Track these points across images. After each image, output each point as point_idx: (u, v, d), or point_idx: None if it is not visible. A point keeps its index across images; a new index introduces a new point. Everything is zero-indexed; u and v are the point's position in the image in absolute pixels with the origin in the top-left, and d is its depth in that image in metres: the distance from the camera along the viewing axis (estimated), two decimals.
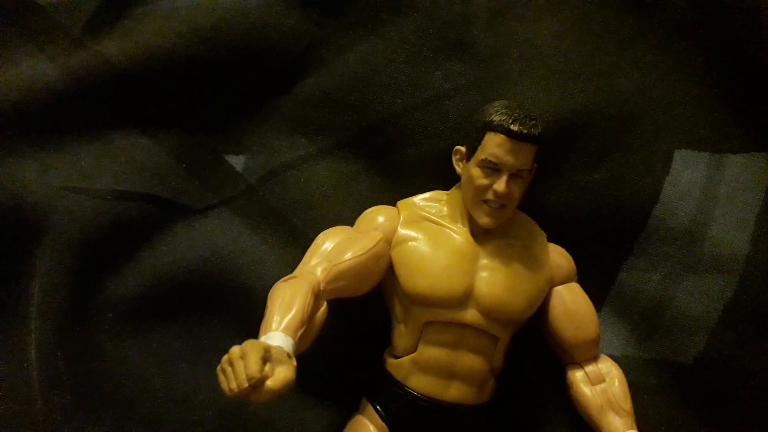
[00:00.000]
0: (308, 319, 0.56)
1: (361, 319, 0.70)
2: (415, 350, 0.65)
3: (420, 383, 0.65)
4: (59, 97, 0.71)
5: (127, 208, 0.71)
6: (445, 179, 0.69)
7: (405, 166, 0.73)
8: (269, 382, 0.48)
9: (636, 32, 0.72)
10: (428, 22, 0.73)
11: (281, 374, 0.48)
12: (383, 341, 0.69)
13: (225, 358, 0.49)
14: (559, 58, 0.72)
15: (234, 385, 0.47)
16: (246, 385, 0.47)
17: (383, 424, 0.66)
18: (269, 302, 0.57)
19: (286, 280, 0.59)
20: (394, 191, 0.72)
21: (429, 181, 0.71)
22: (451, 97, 0.71)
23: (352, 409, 0.69)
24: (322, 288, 0.60)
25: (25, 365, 0.71)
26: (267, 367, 0.48)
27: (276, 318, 0.55)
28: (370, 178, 0.74)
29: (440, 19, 0.73)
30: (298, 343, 0.54)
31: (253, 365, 0.47)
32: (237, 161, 0.74)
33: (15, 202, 0.70)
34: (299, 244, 0.68)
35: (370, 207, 0.69)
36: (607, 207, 0.70)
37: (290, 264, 0.64)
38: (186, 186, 0.73)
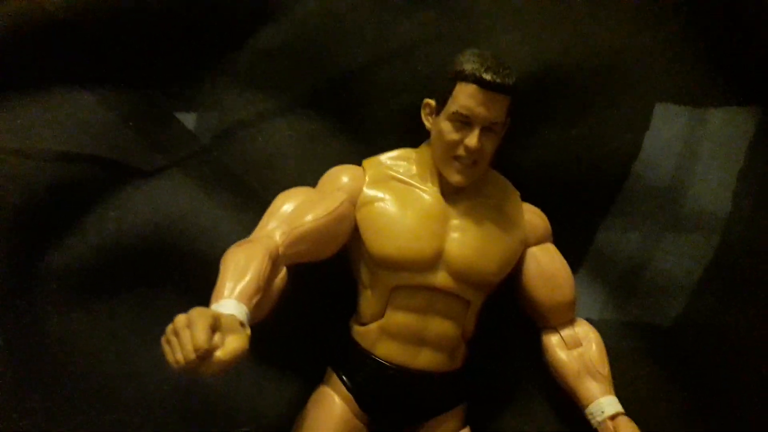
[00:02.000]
0: (265, 286, 0.53)
1: (326, 285, 0.67)
2: (382, 316, 0.62)
3: (388, 351, 0.62)
4: None
5: (69, 171, 0.66)
6: (414, 137, 0.66)
7: (371, 122, 0.69)
8: (219, 353, 0.45)
9: None
10: None
11: (232, 344, 0.45)
12: (349, 308, 0.66)
13: (170, 327, 0.46)
14: (534, 7, 0.68)
15: (180, 356, 0.44)
16: (193, 356, 0.44)
17: (349, 394, 0.63)
18: (222, 268, 0.54)
19: (240, 245, 0.56)
20: (359, 150, 0.68)
21: (397, 138, 0.68)
22: (420, 49, 0.68)
23: (317, 380, 0.66)
24: (280, 252, 0.56)
25: None
26: (216, 337, 0.45)
27: (229, 285, 0.52)
28: (333, 136, 0.70)
29: None
30: (254, 311, 0.51)
31: (201, 335, 0.44)
32: (188, 119, 0.70)
33: None
34: (257, 207, 0.64)
35: (333, 167, 0.65)
36: (584, 164, 0.68)
37: (248, 228, 0.61)
38: (133, 146, 0.68)
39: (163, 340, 0.46)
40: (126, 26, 0.67)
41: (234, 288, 0.51)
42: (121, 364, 0.67)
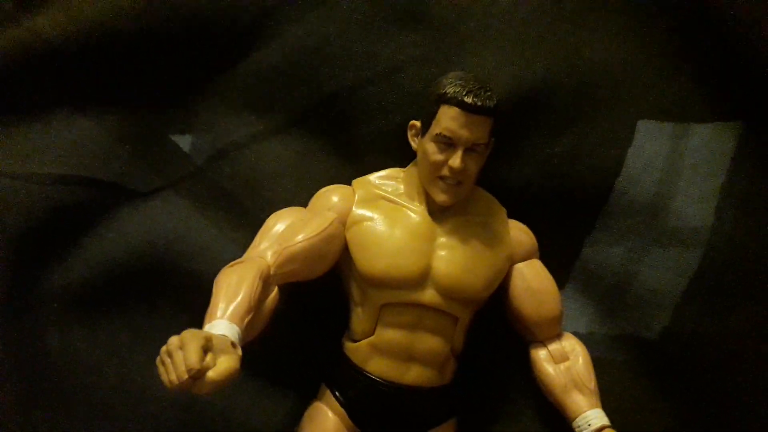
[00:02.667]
0: (256, 306, 0.54)
1: (320, 303, 0.68)
2: (373, 333, 0.63)
3: (379, 367, 0.63)
4: None
5: (68, 193, 0.68)
6: (403, 156, 0.67)
7: (360, 142, 0.70)
8: (210, 373, 0.46)
9: None
10: None
11: (223, 364, 0.47)
12: (342, 325, 0.67)
13: (164, 349, 0.47)
14: (517, 26, 0.69)
15: (174, 377, 0.46)
16: (186, 376, 0.45)
17: (342, 410, 0.64)
18: (215, 289, 0.55)
19: (232, 266, 0.57)
20: (349, 169, 0.70)
21: (386, 157, 0.69)
22: (406, 70, 0.69)
23: (311, 396, 0.67)
24: (272, 272, 0.58)
25: None
26: (208, 358, 0.46)
27: (221, 305, 0.53)
28: (324, 156, 0.71)
29: None
30: (246, 330, 0.53)
31: (193, 356, 0.45)
32: (183, 141, 0.71)
33: None
34: (251, 226, 0.65)
35: (324, 186, 0.67)
36: (569, 180, 0.69)
37: (242, 247, 0.63)
38: (130, 168, 0.70)
39: (157, 360, 0.47)
40: (121, 51, 0.68)
41: (226, 309, 0.52)
42: (121, 379, 0.69)
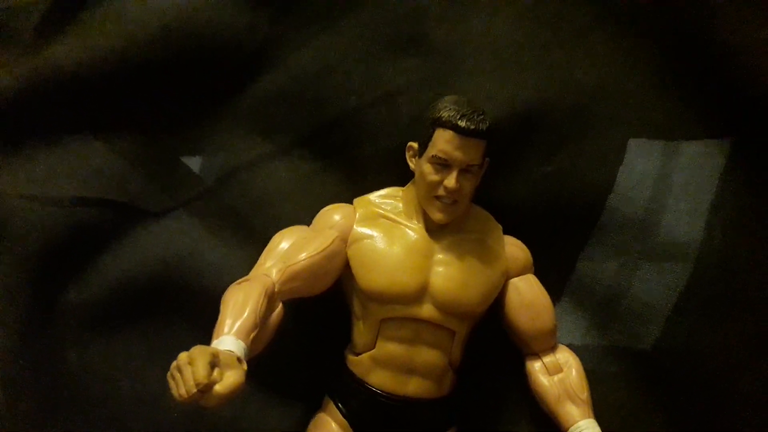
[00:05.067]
0: (261, 322, 0.57)
1: (324, 318, 0.71)
2: (374, 347, 0.66)
3: (379, 379, 0.65)
4: (12, 103, 0.70)
5: (84, 215, 0.71)
6: (402, 175, 0.69)
7: (362, 162, 0.73)
8: (218, 387, 0.48)
9: (590, 23, 0.72)
10: (381, 17, 0.73)
11: (230, 379, 0.49)
12: (344, 339, 0.69)
13: (174, 364, 0.49)
14: (512, 50, 0.72)
15: (183, 391, 0.48)
16: (194, 390, 0.48)
17: (344, 420, 0.66)
18: (222, 306, 0.57)
19: (239, 283, 0.59)
20: (351, 188, 0.72)
21: (386, 177, 0.71)
22: (405, 93, 0.72)
23: (316, 407, 0.69)
24: (276, 289, 0.60)
25: None
26: (215, 372, 0.49)
27: (228, 322, 0.55)
28: (328, 176, 0.74)
29: (393, 13, 0.73)
30: (251, 345, 0.55)
31: (201, 370, 0.48)
32: (194, 162, 0.74)
33: None
34: (259, 244, 0.68)
35: (328, 204, 0.69)
36: (562, 198, 0.71)
37: (251, 264, 0.65)
38: (143, 189, 0.73)
39: (168, 375, 0.49)
40: (133, 77, 0.71)
41: (233, 325, 0.54)
42: (135, 391, 0.71)
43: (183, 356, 0.49)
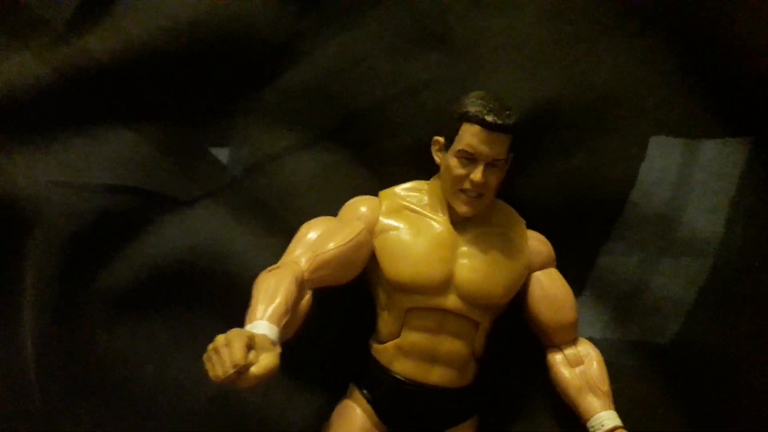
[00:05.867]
0: (292, 308, 0.58)
1: (349, 307, 0.72)
2: (398, 336, 0.67)
3: (404, 367, 0.66)
4: (45, 92, 0.71)
5: (114, 201, 0.72)
6: (427, 169, 0.70)
7: (386, 156, 0.74)
8: (254, 368, 0.50)
9: (612, 21, 0.73)
10: (406, 13, 0.73)
11: (265, 360, 0.50)
12: (369, 328, 0.71)
13: (211, 346, 0.51)
14: (535, 46, 0.73)
15: (220, 372, 0.49)
16: (231, 371, 0.49)
17: (369, 407, 0.67)
18: (254, 292, 0.58)
19: (270, 270, 0.61)
20: (376, 181, 0.73)
21: (410, 170, 0.72)
22: (429, 88, 0.72)
23: (340, 394, 0.71)
24: (305, 277, 0.61)
25: (21, 357, 0.72)
26: (251, 354, 0.50)
27: (261, 307, 0.56)
28: (352, 169, 0.75)
29: (418, 9, 0.73)
30: (283, 331, 0.56)
31: (238, 352, 0.49)
32: (222, 153, 0.75)
33: (4, 197, 0.70)
34: (284, 234, 0.69)
35: (353, 197, 0.71)
36: (584, 193, 0.72)
37: (275, 254, 0.66)
38: (172, 178, 0.74)
39: (204, 357, 0.51)
40: (163, 68, 0.72)
41: (265, 310, 0.56)
42: (161, 376, 0.72)
43: (220, 338, 0.51)
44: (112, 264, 0.72)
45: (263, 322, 0.55)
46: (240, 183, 0.75)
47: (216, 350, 0.50)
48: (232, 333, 0.51)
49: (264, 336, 0.53)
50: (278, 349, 0.53)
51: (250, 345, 0.51)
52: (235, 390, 0.51)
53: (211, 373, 0.50)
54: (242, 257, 0.72)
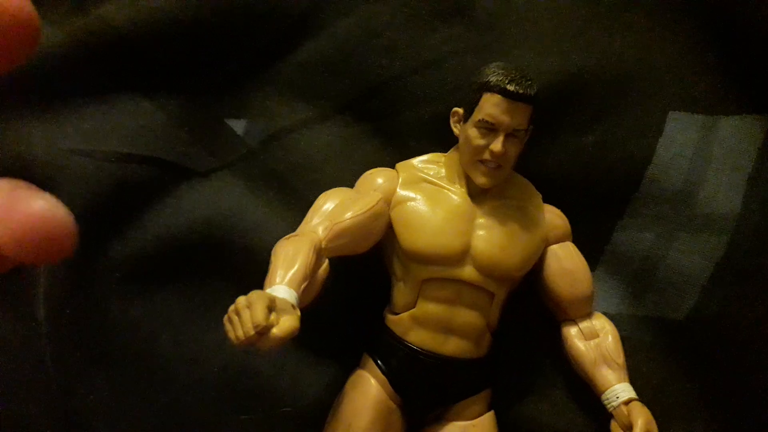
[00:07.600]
0: (310, 275, 0.58)
1: (363, 278, 0.72)
2: (414, 306, 0.67)
3: (419, 338, 0.67)
4: (62, 61, 0.71)
5: (131, 171, 0.72)
6: (443, 142, 0.71)
7: (404, 128, 0.74)
8: (275, 330, 0.50)
9: None
10: None
11: (286, 322, 0.50)
12: (383, 299, 0.71)
13: (232, 307, 0.51)
14: (555, 21, 0.73)
15: (241, 333, 0.50)
16: (252, 332, 0.49)
17: (384, 377, 0.68)
18: (273, 258, 0.59)
19: (288, 238, 0.61)
20: (393, 153, 0.73)
21: (428, 143, 0.73)
22: (449, 61, 0.72)
23: (354, 364, 0.71)
24: (323, 246, 0.61)
25: (34, 325, 0.73)
26: (272, 316, 0.50)
27: (280, 272, 0.57)
28: (369, 141, 0.75)
29: None
30: (301, 297, 0.56)
31: (260, 313, 0.49)
32: (238, 125, 0.75)
33: (21, 165, 0.71)
34: (300, 206, 0.69)
35: (369, 169, 0.71)
36: (601, 168, 0.72)
37: (291, 225, 0.66)
38: (188, 149, 0.74)
39: (225, 319, 0.51)
40: (181, 39, 0.72)
41: (284, 276, 0.56)
42: (176, 347, 0.72)
43: (241, 299, 0.51)
44: (127, 233, 0.72)
45: (282, 286, 0.55)
46: (256, 155, 0.75)
47: (237, 311, 0.50)
48: (254, 294, 0.51)
49: (284, 299, 0.53)
50: (298, 313, 0.53)
51: (271, 307, 0.51)
52: (254, 352, 0.51)
53: (231, 335, 0.50)
54: (258, 229, 0.72)
